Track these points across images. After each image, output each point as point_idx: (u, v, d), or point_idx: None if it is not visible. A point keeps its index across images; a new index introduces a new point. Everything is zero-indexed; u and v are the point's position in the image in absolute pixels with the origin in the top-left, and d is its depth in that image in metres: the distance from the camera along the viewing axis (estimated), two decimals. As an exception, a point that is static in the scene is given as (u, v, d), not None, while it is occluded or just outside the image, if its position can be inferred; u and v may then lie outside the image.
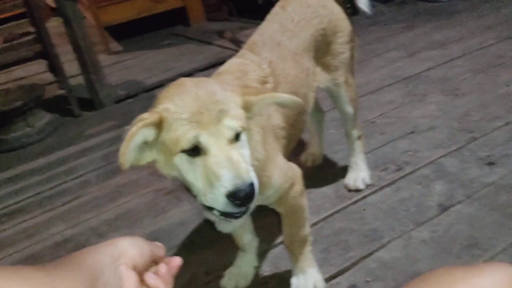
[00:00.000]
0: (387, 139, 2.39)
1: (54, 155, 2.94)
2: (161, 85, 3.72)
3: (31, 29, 3.40)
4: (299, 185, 1.45)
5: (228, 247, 1.80)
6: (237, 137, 1.09)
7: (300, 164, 2.25)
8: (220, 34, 4.58)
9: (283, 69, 1.52)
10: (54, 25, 4.85)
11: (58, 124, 3.34)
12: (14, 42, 3.40)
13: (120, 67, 4.33)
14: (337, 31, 1.77)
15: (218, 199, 1.04)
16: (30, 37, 3.34)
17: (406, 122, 2.51)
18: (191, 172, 1.08)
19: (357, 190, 2.03)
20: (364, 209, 1.93)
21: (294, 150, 1.66)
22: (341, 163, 2.26)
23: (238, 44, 4.13)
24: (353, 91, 1.91)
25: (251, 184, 1.03)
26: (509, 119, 2.35)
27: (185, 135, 1.04)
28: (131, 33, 5.17)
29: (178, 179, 1.16)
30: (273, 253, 1.79)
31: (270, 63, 1.50)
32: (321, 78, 1.78)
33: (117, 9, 4.81)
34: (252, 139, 1.22)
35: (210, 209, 1.10)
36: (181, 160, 1.08)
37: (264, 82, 1.45)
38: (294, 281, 1.59)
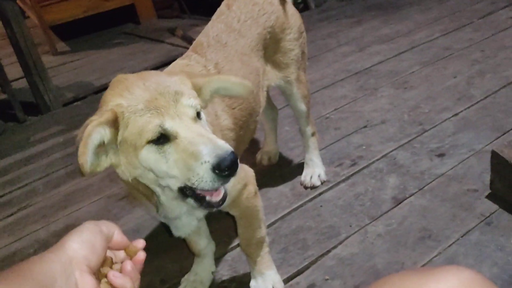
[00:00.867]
0: (341, 134, 2.40)
1: (-2, 163, 2.78)
2: (111, 86, 3.61)
3: (-33, 31, 3.22)
4: (252, 186, 1.42)
5: (184, 253, 1.75)
6: (198, 115, 1.08)
7: (255, 163, 2.24)
8: (172, 31, 4.49)
9: (230, 70, 1.49)
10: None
11: (1, 130, 3.17)
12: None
13: (67, 68, 4.17)
14: (286, 27, 1.75)
15: (204, 177, 1.00)
16: (-34, 39, 3.15)
17: (359, 116, 2.53)
18: (163, 161, 1.04)
19: (313, 187, 2.02)
20: (321, 206, 1.93)
21: (249, 149, 1.63)
22: (297, 160, 2.26)
23: (190, 41, 4.05)
24: (305, 88, 1.90)
25: (232, 152, 1.01)
26: (456, 110, 2.42)
27: (148, 125, 1.01)
28: (78, 33, 4.99)
29: (138, 181, 1.11)
30: (231, 256, 1.76)
31: (216, 64, 1.48)
32: (272, 76, 1.76)
33: (62, 7, 4.63)
34: None
35: (184, 198, 1.08)
36: (149, 152, 1.03)
37: None
38: (253, 284, 1.57)
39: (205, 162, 0.99)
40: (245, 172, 1.40)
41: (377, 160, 2.15)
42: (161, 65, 3.81)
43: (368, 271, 1.60)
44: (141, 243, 0.88)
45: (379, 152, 2.20)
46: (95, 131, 1.01)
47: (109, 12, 4.88)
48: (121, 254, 0.87)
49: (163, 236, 1.89)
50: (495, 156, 1.70)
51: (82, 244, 0.76)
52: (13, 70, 3.65)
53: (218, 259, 1.72)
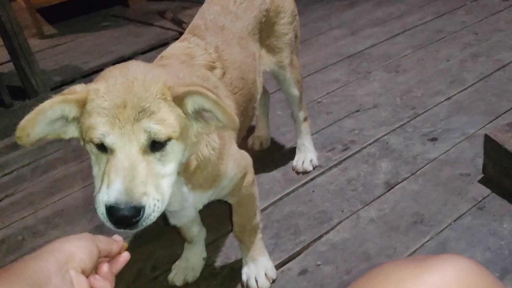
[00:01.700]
0: (334, 118, 2.38)
1: (-16, 149, 2.73)
2: (100, 69, 3.53)
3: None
4: (251, 174, 1.41)
5: (175, 239, 1.73)
6: (161, 146, 0.97)
7: (247, 149, 2.22)
8: (161, 14, 4.40)
9: (230, 54, 1.45)
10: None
11: (-12, 115, 3.10)
12: None
13: (55, 52, 4.08)
14: (280, 11, 1.71)
15: (99, 205, 0.93)
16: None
17: (351, 100, 2.51)
18: (96, 165, 1.00)
19: (305, 172, 2.01)
20: (313, 191, 1.92)
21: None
22: (288, 145, 2.23)
23: (180, 24, 3.98)
24: (298, 73, 1.87)
25: (135, 210, 0.91)
26: (449, 94, 2.40)
27: (95, 128, 0.95)
28: (66, 15, 4.88)
29: None
30: (222, 242, 1.75)
31: (216, 48, 1.43)
32: (266, 61, 1.73)
33: (48, -11, 4.51)
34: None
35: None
36: (91, 150, 1.00)
37: (212, 67, 1.37)
38: (245, 270, 1.55)
39: (106, 194, 0.92)
40: (245, 160, 1.38)
41: (369, 144, 2.13)
42: (150, 49, 3.75)
43: (360, 256, 1.59)
44: (125, 256, 0.88)
45: (371, 136, 2.18)
46: (53, 107, 0.97)
47: (97, -6, 4.78)
48: None
49: (153, 222, 1.86)
50: (488, 140, 1.69)
51: (81, 248, 0.78)
52: (-1, 54, 3.58)
53: (209, 245, 1.71)
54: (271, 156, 2.18)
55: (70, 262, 0.75)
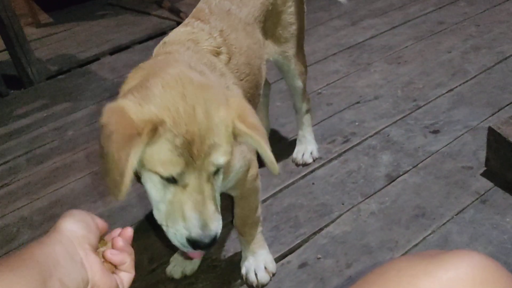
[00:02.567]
0: (334, 110, 2.35)
1: (-21, 139, 2.69)
2: (96, 59, 3.50)
3: None
4: (255, 168, 1.38)
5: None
6: (218, 170, 1.02)
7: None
8: (159, 3, 4.35)
9: (235, 39, 1.40)
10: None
11: (-18, 104, 3.06)
12: None
13: (50, 41, 4.02)
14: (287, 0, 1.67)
15: (176, 237, 1.00)
16: None
17: (352, 92, 2.48)
18: (160, 193, 1.00)
19: (305, 164, 1.98)
20: (313, 183, 1.89)
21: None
22: (288, 136, 2.20)
23: (177, 14, 3.93)
24: (303, 65, 1.84)
25: (214, 237, 1.00)
26: (451, 85, 2.37)
27: (168, 166, 0.94)
28: (62, 4, 4.81)
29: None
30: (221, 234, 1.71)
31: (221, 32, 1.38)
32: (270, 50, 1.69)
33: (44, -23, 4.44)
34: None
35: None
36: (151, 178, 0.99)
37: (217, 53, 1.33)
38: (244, 263, 1.53)
39: (186, 229, 0.98)
40: (250, 154, 1.35)
41: (370, 136, 2.10)
42: (147, 38, 3.70)
43: (361, 249, 1.57)
44: (130, 231, 0.87)
45: (372, 128, 2.15)
46: (137, 155, 0.91)
47: (93, -18, 4.71)
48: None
49: (151, 214, 1.83)
50: (492, 132, 1.67)
51: (78, 224, 0.75)
52: (-6, 42, 3.51)
53: (208, 237, 1.68)
54: (271, 147, 2.14)
55: (75, 242, 0.73)
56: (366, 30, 3.17)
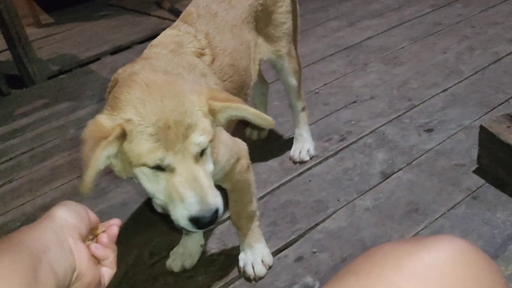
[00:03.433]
0: (331, 109, 2.39)
1: (-18, 137, 2.73)
2: (97, 59, 3.54)
3: None
4: (245, 160, 1.42)
5: (172, 226, 1.74)
6: (204, 150, 1.06)
7: (245, 138, 2.22)
8: (159, 4, 4.39)
9: (220, 41, 1.46)
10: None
11: (-15, 103, 3.10)
12: None
13: (51, 41, 4.06)
14: (277, 0, 1.72)
15: (179, 219, 1.03)
16: None
17: (349, 92, 2.52)
18: (154, 183, 1.05)
19: (302, 162, 2.02)
20: (310, 181, 1.94)
21: (239, 124, 1.62)
22: (286, 135, 2.25)
23: (177, 14, 3.96)
24: (297, 63, 1.88)
25: (216, 211, 1.03)
26: (446, 86, 2.42)
27: (149, 154, 1.00)
28: (63, 4, 4.85)
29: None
30: (220, 229, 1.76)
31: (207, 35, 1.44)
32: (264, 50, 1.74)
33: (45, -23, 4.48)
34: None
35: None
36: (143, 171, 1.04)
37: (201, 54, 1.39)
38: (242, 257, 1.57)
39: (186, 209, 1.01)
40: (237, 146, 1.39)
41: (366, 135, 2.15)
42: (147, 39, 3.73)
43: (355, 244, 1.61)
44: (116, 223, 0.88)
45: (368, 127, 2.20)
46: (103, 154, 1.00)
47: (94, -17, 4.75)
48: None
49: (151, 210, 1.88)
50: (483, 131, 1.71)
51: (70, 213, 0.77)
52: (-4, 42, 3.55)
53: (206, 232, 1.72)
54: (268, 146, 2.19)
55: (65, 230, 0.74)
56: (363, 31, 3.22)
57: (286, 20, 1.76)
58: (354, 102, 2.42)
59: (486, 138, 1.71)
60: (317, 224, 1.72)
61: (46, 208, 2.00)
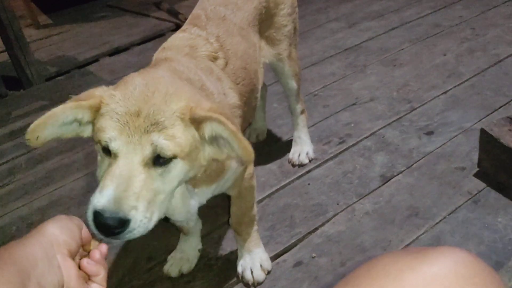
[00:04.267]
0: (330, 111, 2.37)
1: (-22, 139, 2.71)
2: (95, 60, 3.52)
3: None
4: (251, 167, 1.40)
5: (170, 230, 1.72)
6: (165, 162, 0.95)
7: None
8: (157, 5, 4.37)
9: (231, 44, 1.44)
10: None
11: (-18, 105, 3.08)
12: None
13: (50, 42, 4.04)
14: (280, 2, 1.70)
15: (89, 207, 0.93)
16: None
17: (348, 94, 2.51)
18: (99, 166, 1.01)
19: (301, 165, 2.01)
20: (309, 184, 1.92)
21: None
22: (285, 137, 2.23)
23: (176, 15, 3.96)
24: (297, 65, 1.87)
25: (119, 221, 0.89)
26: (446, 88, 2.40)
27: (103, 131, 0.95)
28: (61, 5, 4.83)
29: None
30: (218, 233, 1.75)
31: (218, 38, 1.42)
32: (266, 53, 1.72)
33: (43, -22, 4.47)
34: None
35: None
36: (98, 151, 1.01)
37: (214, 58, 1.37)
38: (240, 262, 1.55)
39: (96, 199, 0.91)
40: None
41: (366, 138, 2.13)
42: (146, 40, 3.73)
43: (355, 248, 1.59)
44: (105, 247, 0.86)
45: (367, 130, 2.18)
46: (65, 112, 0.99)
47: (92, -16, 4.74)
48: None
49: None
50: (484, 134, 1.69)
51: (62, 229, 0.76)
52: (-7, 44, 3.53)
53: (204, 236, 1.70)
54: (267, 148, 2.18)
55: (55, 246, 0.74)
56: (362, 33, 3.20)
57: (287, 23, 1.74)
58: (354, 104, 2.40)
59: (487, 141, 1.69)
60: (316, 228, 1.70)
61: (42, 211, 2.01)
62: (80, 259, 0.82)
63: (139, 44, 3.70)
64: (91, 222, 0.91)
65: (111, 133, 0.94)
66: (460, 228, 1.59)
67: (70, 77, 3.34)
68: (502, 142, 1.63)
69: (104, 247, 0.86)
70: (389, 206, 1.74)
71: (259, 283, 1.52)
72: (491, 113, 2.14)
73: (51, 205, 2.05)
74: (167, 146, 0.94)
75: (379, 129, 2.17)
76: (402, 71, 2.64)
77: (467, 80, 2.44)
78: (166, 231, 1.76)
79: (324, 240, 1.65)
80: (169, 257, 1.63)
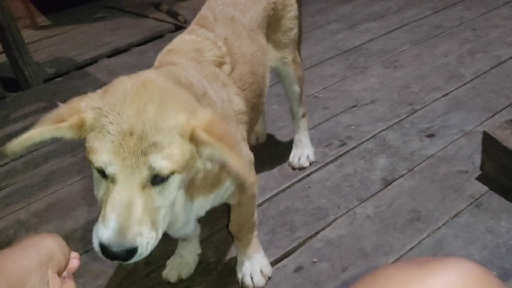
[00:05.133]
0: (330, 114, 2.35)
1: (-24, 141, 2.69)
2: (94, 61, 3.51)
3: None
4: (253, 173, 1.38)
5: (168, 235, 1.70)
6: (162, 179, 0.92)
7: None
8: (156, 6, 4.36)
9: (239, 47, 1.41)
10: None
11: (-20, 107, 3.06)
12: None
13: (48, 43, 4.03)
14: (287, 4, 1.68)
15: (93, 236, 0.92)
16: None
17: (348, 96, 2.49)
18: (97, 185, 0.97)
19: (302, 168, 1.99)
20: (309, 187, 1.90)
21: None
22: (285, 140, 2.21)
23: (175, 17, 3.94)
24: (300, 69, 1.85)
25: (127, 252, 0.89)
26: (447, 90, 2.38)
27: (97, 152, 0.89)
28: (60, 6, 4.82)
29: None
30: (217, 238, 1.72)
31: (226, 40, 1.38)
32: (272, 57, 1.69)
33: (42, -21, 4.45)
34: None
35: None
36: (93, 174, 0.97)
37: (220, 64, 1.34)
38: (240, 267, 1.53)
39: (101, 231, 0.90)
40: (249, 158, 1.35)
41: (366, 140, 2.11)
42: (145, 41, 3.71)
43: (356, 253, 1.57)
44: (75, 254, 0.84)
45: (368, 132, 2.16)
46: (45, 135, 0.95)
47: (91, -15, 4.72)
48: None
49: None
50: (486, 137, 1.67)
51: (59, 247, 0.75)
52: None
53: (203, 241, 1.68)
54: (267, 151, 2.16)
55: (50, 261, 0.73)
56: (363, 34, 3.18)
57: (293, 26, 1.72)
58: (354, 106, 2.39)
59: (490, 144, 1.67)
60: (317, 233, 1.68)
61: (40, 215, 1.99)
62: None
63: (138, 45, 3.69)
64: (99, 253, 0.92)
65: (105, 157, 0.89)
66: (462, 233, 1.57)
67: (69, 79, 3.32)
68: (504, 145, 1.61)
69: (74, 263, 0.83)
70: (390, 210, 1.72)
71: (259, 289, 1.50)
72: (493, 115, 2.12)
73: (48, 208, 2.03)
74: (165, 166, 0.90)
75: (380, 132, 2.15)
76: (402, 73, 2.62)
77: (468, 82, 2.42)
78: (164, 236, 1.73)
79: (325, 245, 1.62)
80: (168, 262, 1.61)
